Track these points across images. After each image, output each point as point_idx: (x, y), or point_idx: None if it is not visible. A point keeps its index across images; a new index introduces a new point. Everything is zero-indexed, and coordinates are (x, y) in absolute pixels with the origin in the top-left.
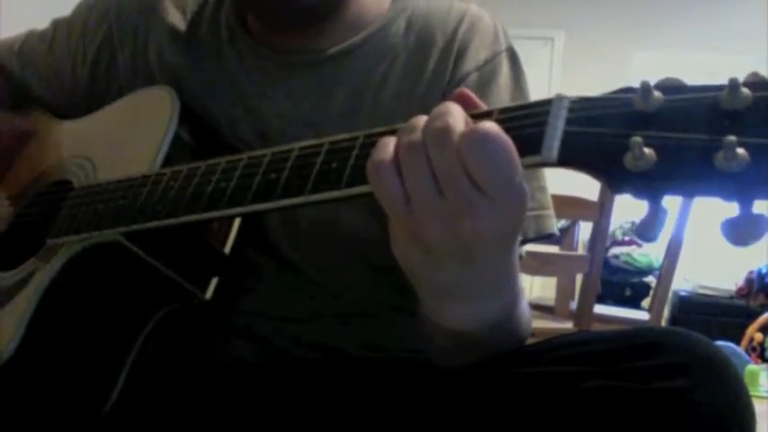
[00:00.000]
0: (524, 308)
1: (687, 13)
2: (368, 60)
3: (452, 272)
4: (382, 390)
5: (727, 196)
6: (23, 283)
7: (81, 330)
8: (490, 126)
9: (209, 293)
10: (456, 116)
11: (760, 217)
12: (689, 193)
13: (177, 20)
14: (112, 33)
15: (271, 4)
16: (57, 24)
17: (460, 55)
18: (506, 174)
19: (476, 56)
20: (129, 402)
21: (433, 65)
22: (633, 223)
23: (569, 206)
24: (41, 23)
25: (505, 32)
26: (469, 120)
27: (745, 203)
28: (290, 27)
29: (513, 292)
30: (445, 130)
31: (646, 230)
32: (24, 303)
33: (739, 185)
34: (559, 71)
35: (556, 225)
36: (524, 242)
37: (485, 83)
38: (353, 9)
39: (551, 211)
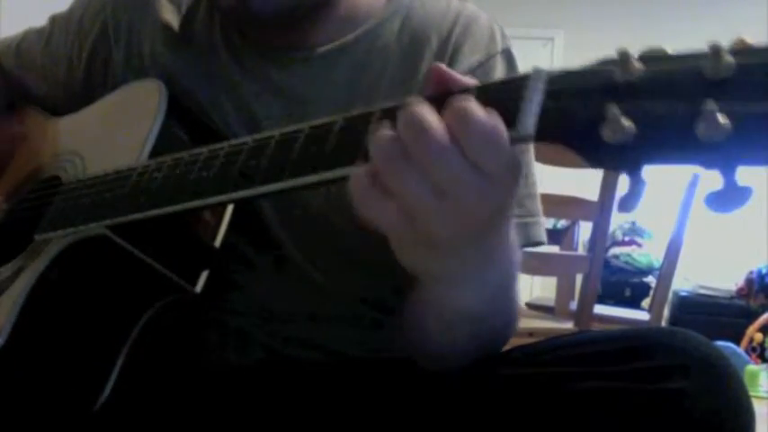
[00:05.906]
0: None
1: (687, 13)
2: (360, 60)
3: (462, 259)
4: (380, 390)
5: (709, 164)
6: (12, 280)
7: (71, 326)
8: (481, 115)
9: (199, 287)
10: (426, 113)
11: (743, 188)
12: (669, 162)
13: (172, 16)
14: (108, 28)
15: (236, 12)
16: (54, 20)
17: (453, 57)
18: (505, 153)
19: (469, 58)
20: (121, 400)
21: (427, 67)
22: (633, 223)
23: (569, 206)
24: (41, 23)
25: (503, 33)
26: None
27: (728, 171)
28: (270, 27)
29: (507, 260)
30: (423, 131)
31: (625, 202)
32: (12, 300)
33: (721, 153)
34: None
35: (544, 233)
36: None
37: None
38: (343, 5)
39: (540, 218)
